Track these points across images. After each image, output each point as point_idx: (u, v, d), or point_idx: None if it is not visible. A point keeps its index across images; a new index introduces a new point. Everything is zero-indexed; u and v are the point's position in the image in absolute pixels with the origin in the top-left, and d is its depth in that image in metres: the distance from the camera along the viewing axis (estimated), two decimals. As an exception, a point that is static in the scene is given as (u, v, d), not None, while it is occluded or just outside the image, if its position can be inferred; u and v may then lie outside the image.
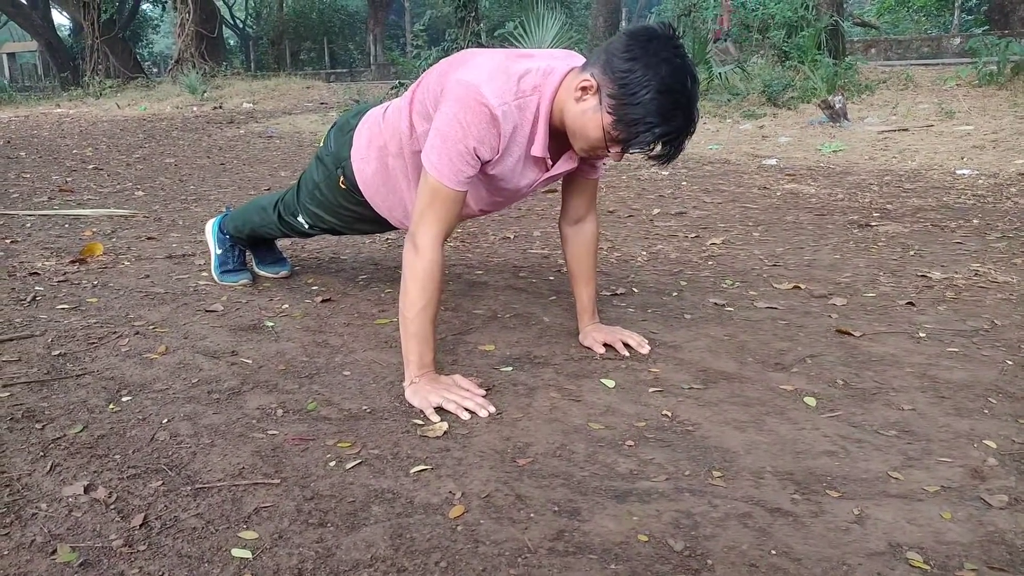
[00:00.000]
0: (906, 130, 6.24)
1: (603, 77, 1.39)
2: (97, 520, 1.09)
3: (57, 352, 1.71)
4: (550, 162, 1.57)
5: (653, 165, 1.48)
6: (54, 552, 1.02)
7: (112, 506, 1.12)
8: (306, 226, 2.03)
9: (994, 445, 1.33)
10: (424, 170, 1.50)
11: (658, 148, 1.41)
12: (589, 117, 1.42)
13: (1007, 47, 7.89)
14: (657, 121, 1.36)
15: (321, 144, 1.94)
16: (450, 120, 1.45)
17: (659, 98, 1.34)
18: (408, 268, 1.51)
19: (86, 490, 1.16)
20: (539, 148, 1.51)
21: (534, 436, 1.37)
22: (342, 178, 1.84)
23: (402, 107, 1.68)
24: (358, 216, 1.91)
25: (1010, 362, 1.71)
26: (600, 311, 1.91)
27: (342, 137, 1.85)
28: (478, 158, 1.48)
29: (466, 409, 1.44)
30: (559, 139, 1.52)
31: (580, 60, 1.54)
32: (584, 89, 1.41)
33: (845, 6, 11.65)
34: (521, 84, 1.46)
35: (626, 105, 1.36)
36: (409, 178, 1.74)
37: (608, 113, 1.39)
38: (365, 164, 1.78)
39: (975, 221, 3.25)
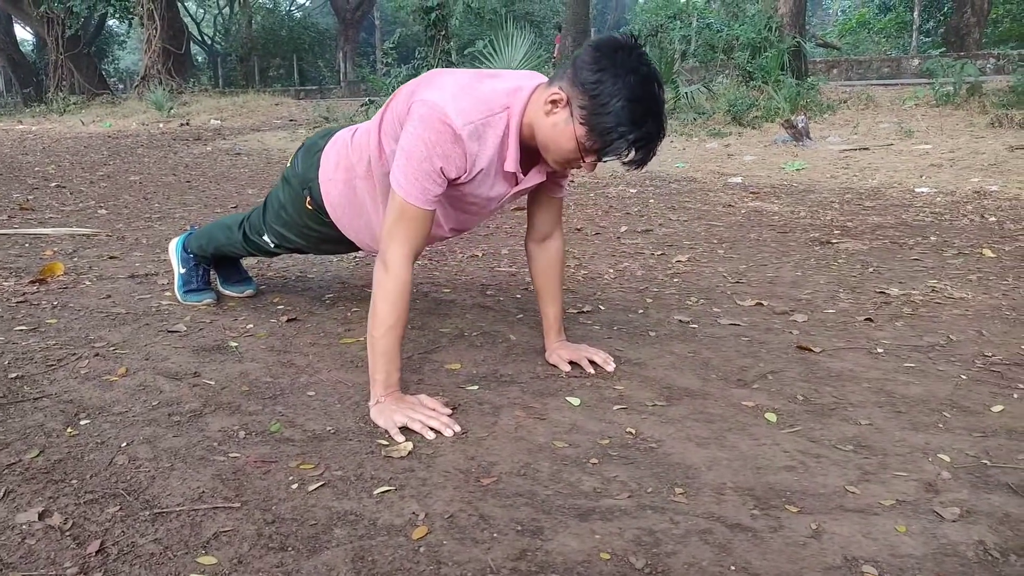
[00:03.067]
0: (867, 149, 6.39)
1: (572, 89, 1.42)
2: (51, 547, 1.07)
3: (14, 375, 1.68)
4: (521, 176, 1.58)
5: (627, 171, 1.51)
6: (6, 581, 0.99)
7: (68, 532, 1.10)
8: (272, 245, 2.02)
9: (948, 459, 1.36)
10: (392, 190, 1.50)
11: (632, 154, 1.44)
12: (561, 130, 1.44)
13: (962, 68, 8.15)
14: (630, 128, 1.39)
15: (288, 165, 1.94)
16: (414, 140, 1.46)
17: (630, 106, 1.38)
18: (378, 286, 1.51)
19: (41, 516, 1.13)
20: (511, 163, 1.53)
21: (499, 455, 1.37)
22: (309, 199, 1.84)
23: (371, 129, 1.69)
24: (324, 237, 1.91)
25: (965, 377, 1.76)
26: (566, 328, 1.92)
27: (309, 158, 1.85)
28: (444, 177, 1.49)
29: (431, 428, 1.44)
30: (528, 154, 1.55)
31: (544, 79, 1.57)
32: (554, 103, 1.44)
33: (807, 27, 11.92)
34: (489, 103, 1.48)
35: (598, 115, 1.39)
36: (377, 200, 1.74)
37: (580, 124, 1.41)
38: (332, 186, 1.78)
39: (932, 238, 3.33)
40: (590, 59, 1.41)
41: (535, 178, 1.61)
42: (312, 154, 1.85)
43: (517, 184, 1.60)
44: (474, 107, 1.47)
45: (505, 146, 1.52)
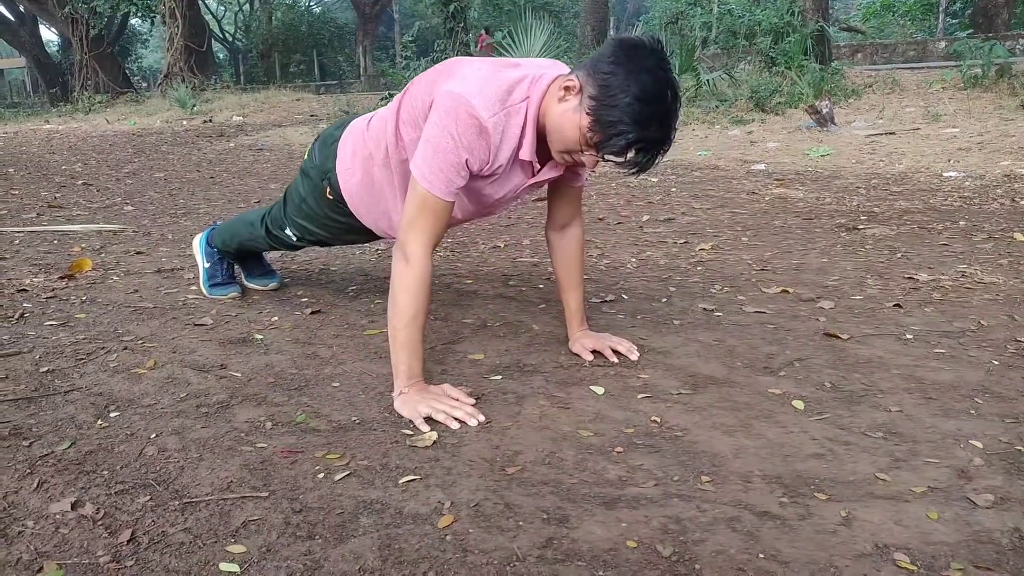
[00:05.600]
0: (893, 134, 6.29)
1: (587, 79, 1.41)
2: (84, 536, 1.08)
3: (45, 369, 1.70)
4: (537, 166, 1.57)
5: (626, 174, 1.48)
6: (40, 570, 1.01)
7: (100, 522, 1.12)
8: (294, 239, 2.03)
9: (980, 445, 1.34)
10: (413, 179, 1.50)
11: (630, 155, 1.41)
12: (568, 116, 1.43)
13: (991, 50, 7.97)
14: (631, 127, 1.36)
15: (306, 157, 1.95)
16: (440, 131, 1.45)
17: (636, 104, 1.35)
18: (398, 277, 1.51)
19: (73, 506, 1.15)
20: (527, 152, 1.51)
21: (523, 444, 1.37)
22: (328, 189, 1.84)
23: (387, 116, 1.69)
24: (346, 227, 1.92)
25: (996, 362, 1.72)
26: (589, 318, 1.91)
27: (326, 149, 1.85)
28: (468, 169, 1.49)
29: (455, 418, 1.44)
30: (546, 145, 1.53)
31: (566, 69, 1.55)
32: (567, 89, 1.43)
33: (831, 11, 11.75)
34: (512, 94, 1.47)
35: (604, 107, 1.37)
36: (395, 187, 1.74)
37: (587, 114, 1.40)
38: (350, 175, 1.79)
39: (961, 223, 3.27)
40: (609, 52, 1.40)
41: (551, 171, 1.60)
42: (328, 144, 1.85)
43: (534, 175, 1.59)
44: (498, 98, 1.46)
45: (523, 135, 1.51)
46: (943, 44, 12.39)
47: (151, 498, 1.18)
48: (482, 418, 1.45)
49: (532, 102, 1.48)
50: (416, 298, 1.50)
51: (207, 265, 2.27)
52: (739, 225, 3.40)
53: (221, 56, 28.93)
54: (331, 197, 1.85)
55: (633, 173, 1.45)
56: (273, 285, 2.34)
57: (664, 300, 2.25)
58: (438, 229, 1.52)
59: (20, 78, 30.52)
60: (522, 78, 1.50)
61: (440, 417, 1.44)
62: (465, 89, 1.45)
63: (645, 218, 3.62)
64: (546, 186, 1.75)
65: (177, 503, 1.17)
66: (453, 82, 1.48)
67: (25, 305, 2.18)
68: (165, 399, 1.55)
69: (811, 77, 8.25)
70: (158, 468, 1.28)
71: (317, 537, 1.09)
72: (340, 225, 1.92)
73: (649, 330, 1.98)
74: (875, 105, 7.76)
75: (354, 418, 1.47)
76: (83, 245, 3.06)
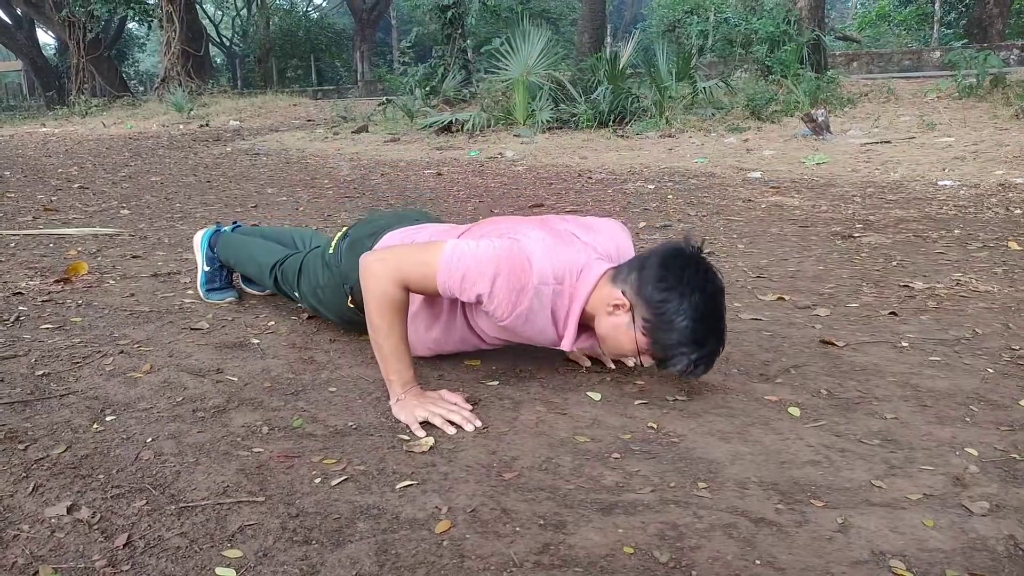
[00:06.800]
0: (888, 142, 6.32)
1: (636, 299, 1.45)
2: (80, 541, 1.08)
3: (41, 372, 1.70)
4: (575, 350, 1.62)
5: (681, 379, 1.55)
6: (36, 574, 1.01)
7: (95, 526, 1.11)
8: (303, 305, 2.02)
9: (975, 453, 1.35)
10: (441, 246, 1.49)
11: (691, 369, 1.47)
12: (623, 332, 1.48)
13: (986, 60, 8.03)
14: (692, 348, 1.44)
15: (331, 250, 1.85)
16: (492, 256, 1.46)
17: (694, 325, 1.42)
18: (369, 294, 1.51)
19: (69, 510, 1.15)
20: (568, 343, 1.55)
21: (520, 450, 1.37)
22: (350, 299, 1.78)
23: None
24: (363, 324, 1.74)
25: (991, 370, 1.73)
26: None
27: (352, 258, 1.73)
28: (478, 300, 1.49)
29: (452, 423, 1.44)
30: (581, 325, 1.56)
31: (619, 240, 1.64)
32: (617, 306, 1.47)
33: (827, 20, 11.81)
34: (565, 274, 1.50)
35: (662, 331, 1.44)
36: (429, 314, 1.69)
37: (643, 335, 1.45)
38: None
39: (956, 231, 3.29)
40: (656, 276, 1.44)
41: (585, 344, 1.62)
42: (356, 253, 1.71)
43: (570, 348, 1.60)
44: (553, 273, 1.49)
45: (560, 319, 1.54)
46: (938, 54, 12.46)
47: (147, 502, 1.18)
48: (479, 423, 1.46)
49: (578, 297, 1.51)
50: (391, 310, 1.50)
51: (207, 268, 2.27)
52: (735, 232, 3.41)
53: (218, 60, 28.97)
54: (352, 306, 1.79)
55: (692, 378, 1.55)
56: (271, 291, 2.34)
57: (661, 307, 2.25)
58: (411, 285, 1.51)
59: (16, 81, 30.49)
60: (575, 262, 1.52)
61: (437, 421, 1.44)
62: (531, 248, 1.48)
63: (642, 224, 3.63)
64: None
65: (173, 507, 1.17)
66: (527, 241, 1.49)
67: (21, 308, 2.17)
68: (161, 403, 1.55)
69: (807, 85, 8.29)
70: (154, 472, 1.27)
71: (314, 542, 1.09)
72: (357, 320, 1.80)
73: (646, 336, 1.98)
74: (870, 114, 7.80)
75: (351, 423, 1.47)
76: (79, 249, 3.05)
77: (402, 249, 1.56)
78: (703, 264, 1.47)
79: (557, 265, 1.49)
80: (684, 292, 1.42)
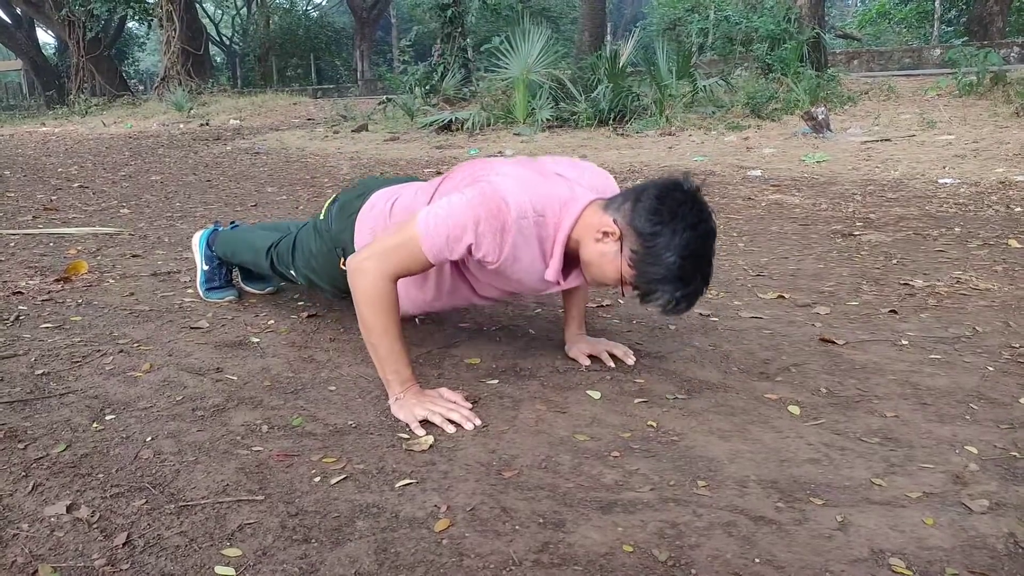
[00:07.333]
0: (888, 140, 6.31)
1: (627, 228, 1.43)
2: (79, 539, 1.08)
3: (40, 371, 1.70)
4: (562, 281, 1.59)
5: (660, 314, 1.52)
6: (35, 573, 1.01)
7: (95, 525, 1.11)
8: (300, 282, 2.02)
9: (975, 451, 1.35)
10: (414, 219, 1.48)
11: (672, 306, 1.45)
12: (608, 260, 1.46)
13: (986, 57, 8.02)
14: (677, 284, 1.41)
15: (321, 216, 1.88)
16: (465, 207, 1.45)
17: (681, 262, 1.39)
18: (360, 294, 1.50)
19: (68, 509, 1.15)
20: (552, 273, 1.53)
21: (520, 448, 1.37)
22: (342, 261, 1.79)
23: (415, 205, 1.66)
24: None
25: (991, 368, 1.73)
26: (586, 323, 1.92)
27: (343, 220, 1.79)
28: (468, 252, 1.48)
29: (452, 422, 1.44)
30: (570, 258, 1.55)
31: (605, 181, 1.61)
32: (606, 234, 1.45)
33: (827, 18, 11.80)
34: (545, 207, 1.48)
35: (649, 264, 1.41)
36: (420, 278, 1.70)
37: (629, 266, 1.43)
38: None
39: (957, 229, 3.28)
40: (651, 207, 1.41)
41: (575, 281, 1.61)
42: (347, 215, 1.79)
43: (559, 286, 1.60)
44: (531, 205, 1.47)
45: (547, 252, 1.52)
46: (938, 51, 12.45)
47: (146, 501, 1.18)
48: (478, 421, 1.46)
49: (563, 226, 1.49)
50: (383, 309, 1.49)
51: (206, 267, 2.27)
52: (735, 231, 3.40)
53: (218, 60, 28.95)
54: (344, 268, 1.78)
55: (672, 315, 1.51)
56: (270, 289, 2.34)
57: (660, 305, 2.25)
58: (403, 270, 1.51)
59: (16, 81, 30.47)
60: (558, 194, 1.51)
61: (436, 420, 1.44)
62: (504, 185, 1.46)
63: (642, 223, 3.62)
64: None
65: (172, 506, 1.17)
66: (498, 178, 1.49)
67: (20, 308, 2.17)
68: (161, 402, 1.55)
69: (807, 83, 8.28)
70: (153, 471, 1.27)
71: (313, 541, 1.09)
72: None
73: (645, 335, 1.98)
74: (871, 112, 7.79)
75: (350, 422, 1.47)
76: (79, 248, 3.05)
77: (379, 242, 1.53)
78: (699, 203, 1.43)
79: (535, 198, 1.47)
80: (676, 228, 1.39)
